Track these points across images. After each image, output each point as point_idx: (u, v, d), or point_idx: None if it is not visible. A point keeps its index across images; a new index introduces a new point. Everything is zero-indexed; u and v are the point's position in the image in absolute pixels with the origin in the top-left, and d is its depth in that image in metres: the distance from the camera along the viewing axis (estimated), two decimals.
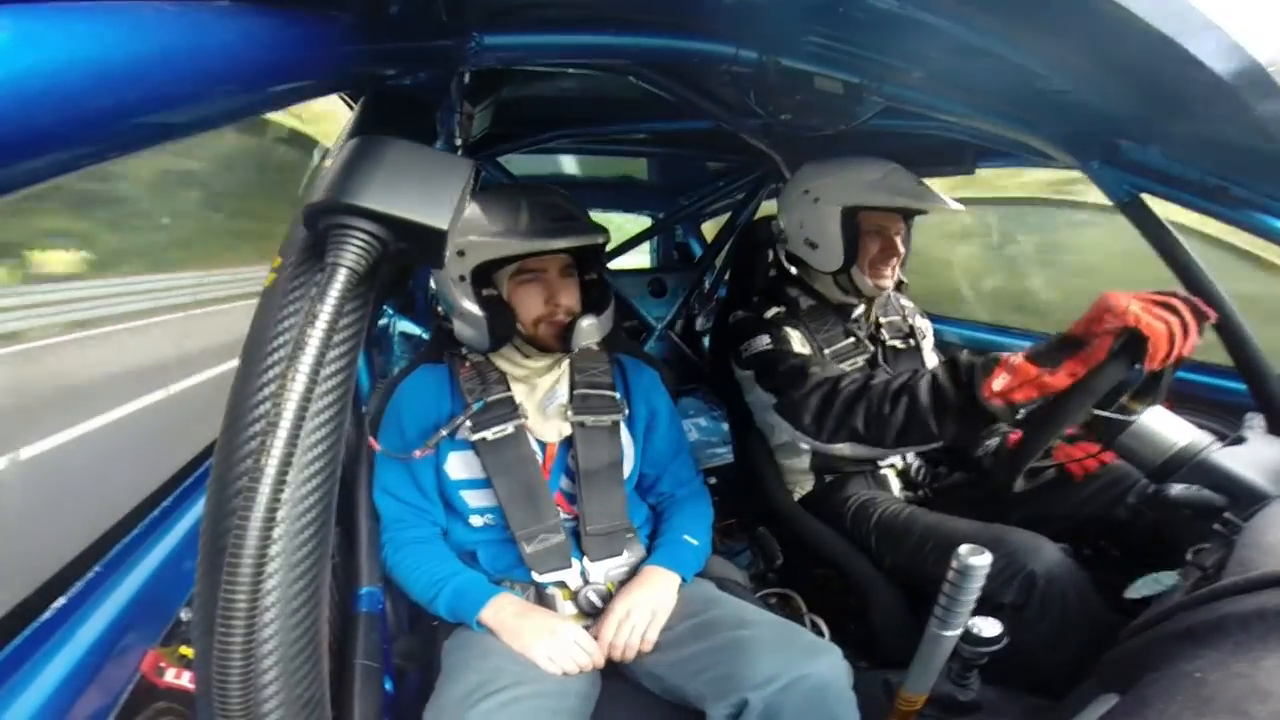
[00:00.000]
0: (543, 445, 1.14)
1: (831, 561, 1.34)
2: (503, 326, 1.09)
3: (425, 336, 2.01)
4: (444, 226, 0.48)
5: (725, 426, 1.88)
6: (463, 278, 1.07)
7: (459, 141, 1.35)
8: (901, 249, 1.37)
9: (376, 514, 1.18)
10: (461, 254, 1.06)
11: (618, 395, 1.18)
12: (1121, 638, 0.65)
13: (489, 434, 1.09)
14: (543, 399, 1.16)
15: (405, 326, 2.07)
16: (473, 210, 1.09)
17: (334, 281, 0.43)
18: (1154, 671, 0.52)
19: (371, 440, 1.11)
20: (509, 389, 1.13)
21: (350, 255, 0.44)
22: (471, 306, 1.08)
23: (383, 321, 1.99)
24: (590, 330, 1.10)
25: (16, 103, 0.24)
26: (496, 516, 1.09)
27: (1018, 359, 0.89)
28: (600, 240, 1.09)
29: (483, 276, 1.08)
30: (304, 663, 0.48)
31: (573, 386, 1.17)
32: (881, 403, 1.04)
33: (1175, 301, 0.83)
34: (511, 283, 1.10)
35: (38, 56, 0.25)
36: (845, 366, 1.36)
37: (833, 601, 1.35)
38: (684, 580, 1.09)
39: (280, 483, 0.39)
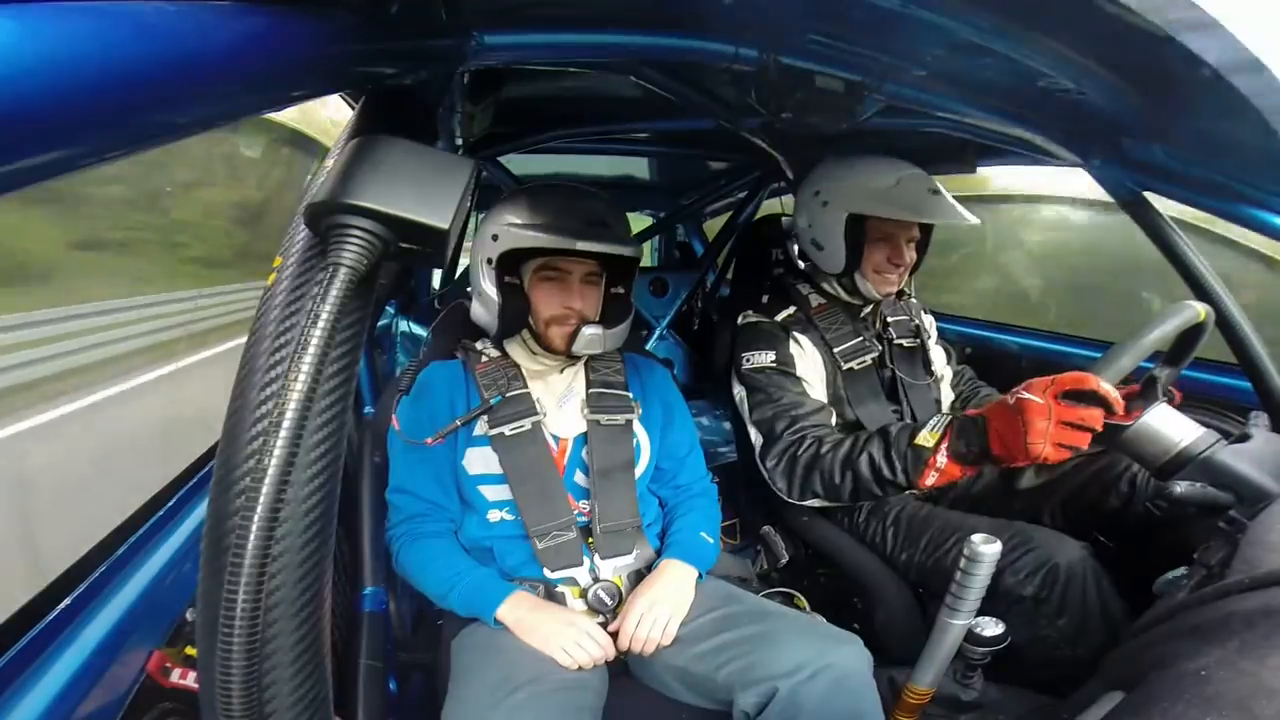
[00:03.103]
0: (557, 441, 1.15)
1: (838, 560, 1.34)
2: (514, 317, 1.11)
3: (427, 336, 2.01)
4: (445, 226, 0.48)
5: (728, 425, 1.88)
6: (489, 261, 1.09)
7: (459, 141, 1.35)
8: (910, 256, 1.36)
9: (380, 514, 1.18)
10: (495, 238, 1.08)
11: (631, 395, 1.19)
12: (1126, 636, 0.65)
13: (506, 430, 1.10)
14: (560, 396, 1.17)
15: (407, 327, 2.07)
16: (518, 199, 1.11)
17: (335, 281, 0.43)
18: (1159, 669, 0.52)
19: (394, 420, 1.13)
20: (526, 386, 1.14)
21: (351, 255, 0.44)
22: (490, 290, 1.10)
23: (384, 322, 1.99)
24: (592, 340, 1.09)
25: (17, 101, 0.24)
26: (513, 512, 1.10)
27: (944, 460, 1.02)
28: (628, 253, 1.08)
29: (510, 265, 1.10)
30: (307, 663, 0.48)
31: (588, 385, 1.18)
32: (831, 474, 1.17)
33: (1089, 417, 0.87)
34: (534, 277, 1.11)
35: (38, 55, 0.25)
36: (854, 365, 1.36)
37: (836, 601, 1.35)
38: (700, 576, 1.11)
39: (283, 483, 0.40)
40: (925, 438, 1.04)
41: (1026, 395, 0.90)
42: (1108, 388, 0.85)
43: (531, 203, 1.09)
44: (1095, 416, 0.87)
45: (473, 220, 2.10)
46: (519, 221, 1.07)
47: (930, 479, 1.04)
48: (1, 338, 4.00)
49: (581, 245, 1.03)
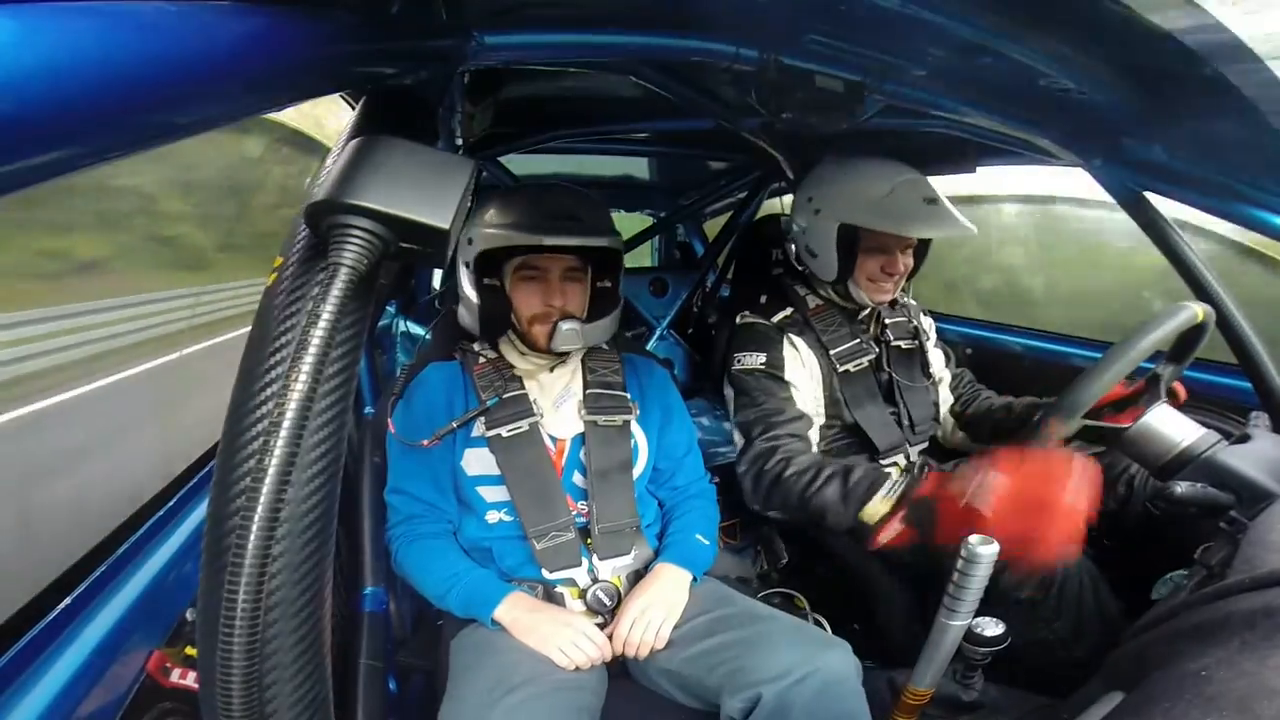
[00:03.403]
0: (554, 442, 1.15)
1: (839, 560, 1.34)
2: (494, 318, 1.13)
3: (428, 337, 2.01)
4: (445, 226, 0.48)
5: (727, 426, 1.87)
6: (468, 264, 1.11)
7: (459, 141, 1.35)
8: (906, 264, 1.34)
9: (380, 514, 1.18)
10: (470, 241, 1.10)
11: (629, 395, 1.19)
12: (1127, 636, 0.65)
13: (504, 431, 1.10)
14: (557, 397, 1.17)
15: (407, 327, 2.07)
16: (492, 201, 1.12)
17: (336, 281, 0.43)
18: (1160, 669, 0.52)
19: (390, 423, 1.13)
20: (523, 387, 1.14)
21: (352, 255, 0.44)
22: (470, 293, 1.12)
23: (384, 322, 1.99)
24: (569, 335, 1.09)
25: (17, 102, 0.24)
26: (511, 513, 1.10)
27: (899, 525, 1.02)
28: (604, 244, 1.09)
29: (489, 266, 1.11)
30: (307, 663, 0.48)
31: (585, 386, 1.18)
32: (787, 499, 1.19)
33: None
34: (514, 277, 1.12)
35: (38, 55, 0.25)
36: (850, 367, 1.36)
37: (836, 601, 1.35)
38: (695, 579, 1.10)
39: (283, 483, 0.39)
40: (877, 507, 1.05)
41: (981, 513, 0.85)
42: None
43: (503, 203, 1.10)
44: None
45: None
46: (492, 222, 1.08)
47: (885, 538, 1.04)
48: (204, 298, 6.87)
49: (549, 240, 1.04)
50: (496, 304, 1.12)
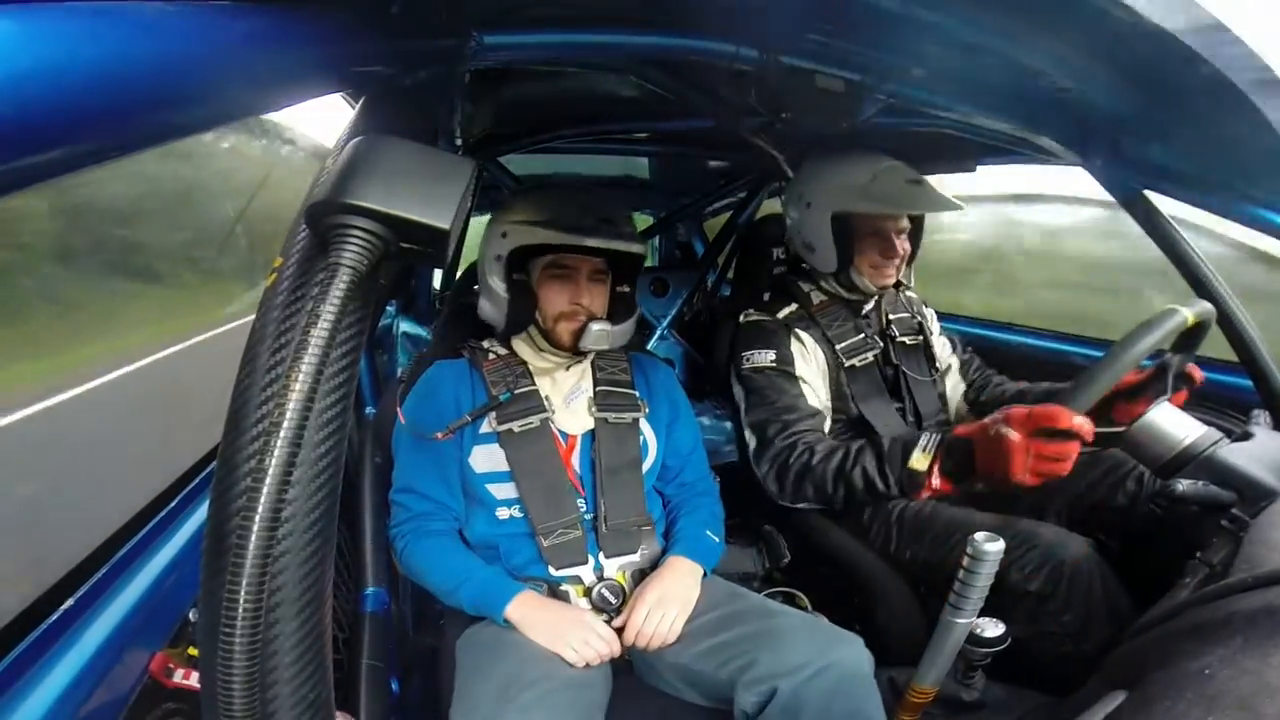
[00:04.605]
0: (565, 439, 1.15)
1: (839, 559, 1.34)
2: (521, 313, 1.13)
3: (428, 337, 2.01)
4: (445, 226, 0.48)
5: (729, 425, 1.87)
6: (499, 257, 1.12)
7: (459, 141, 1.35)
8: (904, 247, 1.35)
9: (381, 514, 1.18)
10: (504, 235, 1.11)
11: (638, 394, 1.20)
12: (1129, 635, 0.65)
13: (515, 426, 1.10)
14: (568, 394, 1.17)
15: (407, 327, 2.07)
16: (527, 196, 1.14)
17: (336, 281, 0.43)
18: (1161, 668, 0.52)
19: (400, 414, 1.13)
20: (534, 383, 1.15)
21: (352, 255, 0.44)
22: (499, 287, 1.13)
23: (385, 322, 1.99)
24: (598, 336, 1.11)
25: (17, 102, 0.24)
26: (522, 510, 1.10)
27: (939, 481, 1.06)
28: (632, 250, 1.10)
29: (519, 262, 1.12)
30: (309, 663, 0.48)
31: (595, 383, 1.19)
32: (823, 483, 1.20)
33: (1064, 452, 0.89)
34: (542, 274, 1.13)
35: (38, 56, 0.25)
36: (856, 362, 1.37)
37: (837, 600, 1.35)
38: (705, 574, 1.11)
39: (284, 484, 0.39)
40: (919, 460, 1.07)
41: (1005, 431, 0.92)
42: (1080, 421, 0.87)
43: (540, 200, 1.12)
44: (1070, 451, 0.89)
45: (473, 221, 2.10)
46: (528, 219, 1.09)
47: (926, 495, 1.08)
48: None
49: (590, 242, 1.05)
50: (525, 299, 1.13)
